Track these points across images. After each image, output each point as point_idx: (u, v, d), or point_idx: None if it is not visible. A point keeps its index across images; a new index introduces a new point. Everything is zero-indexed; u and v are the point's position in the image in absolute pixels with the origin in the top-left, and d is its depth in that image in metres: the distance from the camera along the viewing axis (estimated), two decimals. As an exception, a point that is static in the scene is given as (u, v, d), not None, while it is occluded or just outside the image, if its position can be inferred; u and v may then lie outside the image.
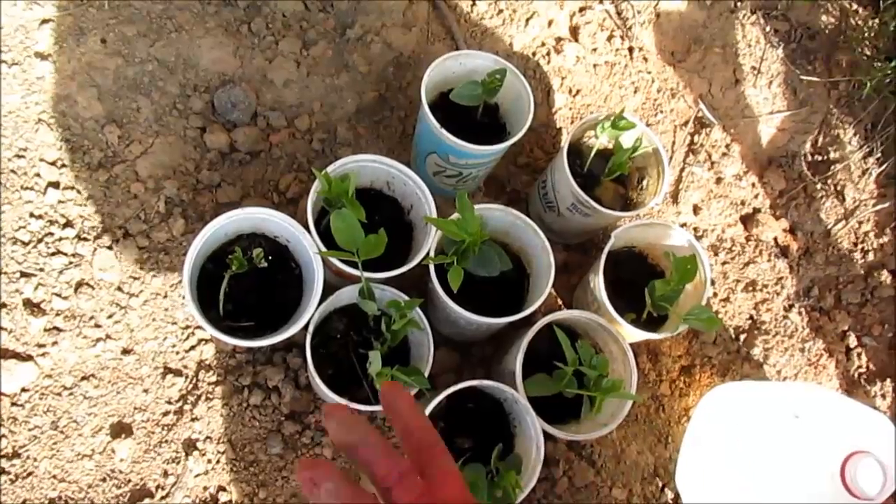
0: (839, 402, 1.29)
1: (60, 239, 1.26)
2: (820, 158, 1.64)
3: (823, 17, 1.69)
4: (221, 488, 1.24)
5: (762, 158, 1.62)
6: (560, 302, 1.45)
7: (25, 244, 1.25)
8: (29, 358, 1.21)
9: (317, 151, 1.42)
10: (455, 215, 1.13)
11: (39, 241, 1.25)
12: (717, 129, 1.60)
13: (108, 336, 1.25)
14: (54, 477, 1.19)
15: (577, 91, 1.56)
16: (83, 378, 1.23)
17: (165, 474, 1.23)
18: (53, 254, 1.25)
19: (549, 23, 1.57)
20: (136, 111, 1.35)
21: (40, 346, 1.22)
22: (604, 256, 1.26)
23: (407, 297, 1.15)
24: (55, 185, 1.28)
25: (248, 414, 1.27)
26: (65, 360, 1.23)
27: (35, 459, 1.19)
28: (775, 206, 1.60)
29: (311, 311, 1.12)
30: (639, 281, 1.30)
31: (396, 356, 1.19)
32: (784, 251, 1.58)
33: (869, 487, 1.05)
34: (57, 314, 1.24)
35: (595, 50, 1.58)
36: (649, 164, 1.37)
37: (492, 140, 1.24)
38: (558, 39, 1.57)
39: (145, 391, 1.25)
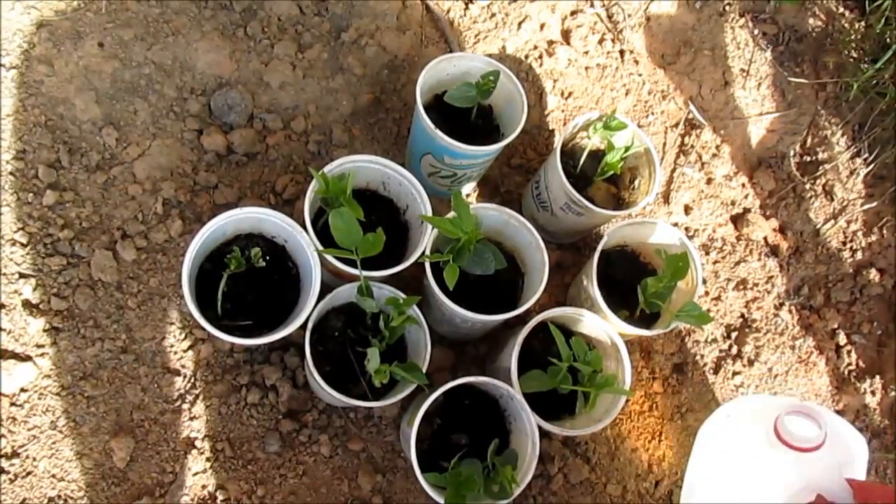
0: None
1: (59, 240, 1.27)
2: (808, 159, 1.66)
3: (810, 20, 1.72)
4: (220, 486, 1.25)
5: (752, 159, 1.65)
6: (554, 301, 1.47)
7: (24, 245, 1.25)
8: (28, 358, 1.22)
9: (312, 153, 1.43)
10: (451, 214, 1.14)
11: (38, 242, 1.26)
12: (708, 130, 1.62)
13: (106, 336, 1.26)
14: (53, 476, 1.20)
15: (570, 93, 1.58)
16: (82, 378, 1.24)
17: (164, 472, 1.24)
18: (52, 255, 1.26)
19: (541, 26, 1.59)
20: (133, 114, 1.36)
21: (39, 346, 1.23)
22: (597, 255, 1.28)
23: (404, 295, 1.17)
24: (53, 186, 1.29)
25: (246, 412, 1.28)
26: (63, 360, 1.24)
27: (34, 459, 1.20)
28: (765, 205, 1.62)
29: (308, 310, 1.13)
30: (631, 279, 1.32)
31: (394, 354, 1.20)
32: (774, 250, 1.60)
33: (801, 434, 1.05)
34: (55, 314, 1.25)
35: (587, 53, 1.60)
36: (641, 165, 1.39)
37: (486, 141, 1.26)
38: (550, 42, 1.59)
39: (143, 390, 1.26)
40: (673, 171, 1.59)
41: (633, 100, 1.61)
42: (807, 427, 1.04)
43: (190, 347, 1.29)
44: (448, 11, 1.55)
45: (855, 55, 1.69)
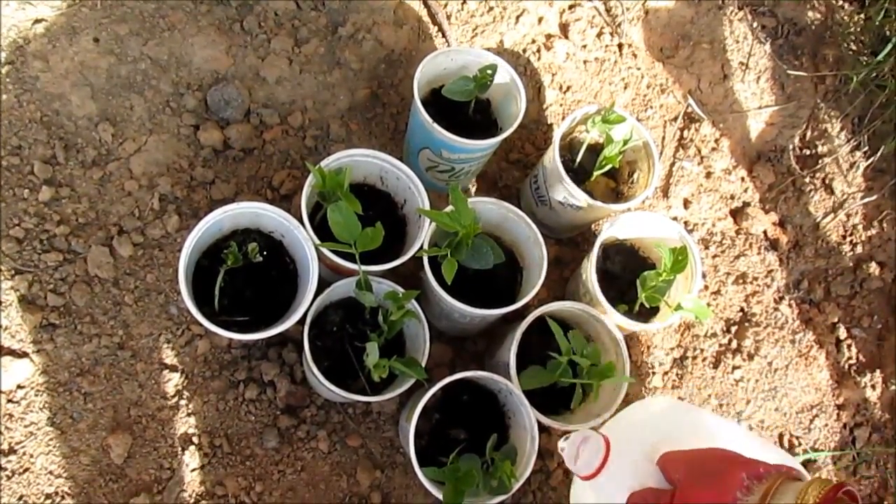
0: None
1: (55, 236, 1.26)
2: (808, 152, 1.65)
3: (809, 13, 1.71)
4: (218, 482, 1.24)
5: (751, 153, 1.64)
6: (552, 296, 1.46)
7: (20, 241, 1.25)
8: (24, 355, 1.22)
9: (310, 148, 1.42)
10: (449, 208, 1.14)
11: (34, 238, 1.26)
12: (707, 123, 1.61)
13: (103, 332, 1.25)
14: (51, 473, 1.19)
15: (568, 87, 1.57)
16: (79, 374, 1.23)
17: (161, 469, 1.23)
18: (48, 251, 1.26)
19: (539, 20, 1.58)
20: (129, 109, 1.35)
21: (36, 342, 1.22)
22: (595, 249, 1.27)
23: (403, 290, 1.16)
24: (49, 182, 1.28)
25: (244, 408, 1.28)
26: (60, 356, 1.23)
27: (31, 456, 1.19)
28: (764, 199, 1.61)
29: (306, 305, 1.12)
30: (630, 273, 1.32)
31: (392, 349, 1.20)
32: (774, 244, 1.60)
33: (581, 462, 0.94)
34: (52, 311, 1.24)
35: (585, 46, 1.59)
36: (640, 158, 1.38)
37: (484, 135, 1.26)
38: (548, 36, 1.58)
39: (141, 387, 1.25)
40: (672, 164, 1.59)
41: (631, 93, 1.60)
42: (592, 447, 0.93)
43: (187, 343, 1.28)
44: (445, 6, 1.54)
45: (854, 48, 1.68)
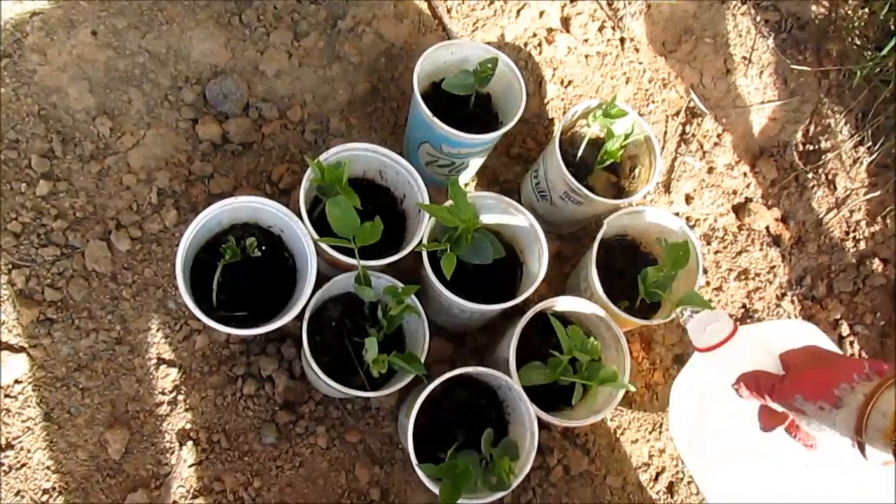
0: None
1: (52, 230, 1.26)
2: (811, 148, 1.64)
3: (813, 7, 1.70)
4: (215, 478, 1.24)
5: (754, 148, 1.63)
6: (553, 292, 1.45)
7: (17, 236, 1.24)
8: (22, 350, 1.21)
9: (309, 142, 1.42)
10: (448, 202, 1.13)
11: (31, 232, 1.25)
12: (709, 118, 1.60)
13: (100, 327, 1.25)
14: (48, 468, 1.19)
15: (569, 82, 1.56)
16: (76, 369, 1.23)
17: (159, 464, 1.23)
18: (45, 245, 1.25)
19: (541, 14, 1.57)
20: (127, 103, 1.35)
21: (33, 337, 1.22)
22: (596, 244, 1.26)
23: (402, 284, 1.15)
24: (47, 176, 1.28)
25: (242, 404, 1.27)
26: (58, 351, 1.23)
27: (29, 451, 1.19)
28: (767, 195, 1.60)
29: (304, 300, 1.12)
30: (631, 269, 1.31)
31: (392, 345, 1.19)
32: (776, 240, 1.59)
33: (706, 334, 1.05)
34: (49, 305, 1.23)
35: (586, 41, 1.58)
36: (641, 153, 1.37)
37: (484, 129, 1.25)
38: (550, 30, 1.57)
39: (138, 382, 1.25)
40: (674, 160, 1.58)
41: (633, 88, 1.59)
42: (720, 325, 1.04)
43: (185, 338, 1.28)
44: (446, -1, 1.53)
45: (858, 42, 1.67)
